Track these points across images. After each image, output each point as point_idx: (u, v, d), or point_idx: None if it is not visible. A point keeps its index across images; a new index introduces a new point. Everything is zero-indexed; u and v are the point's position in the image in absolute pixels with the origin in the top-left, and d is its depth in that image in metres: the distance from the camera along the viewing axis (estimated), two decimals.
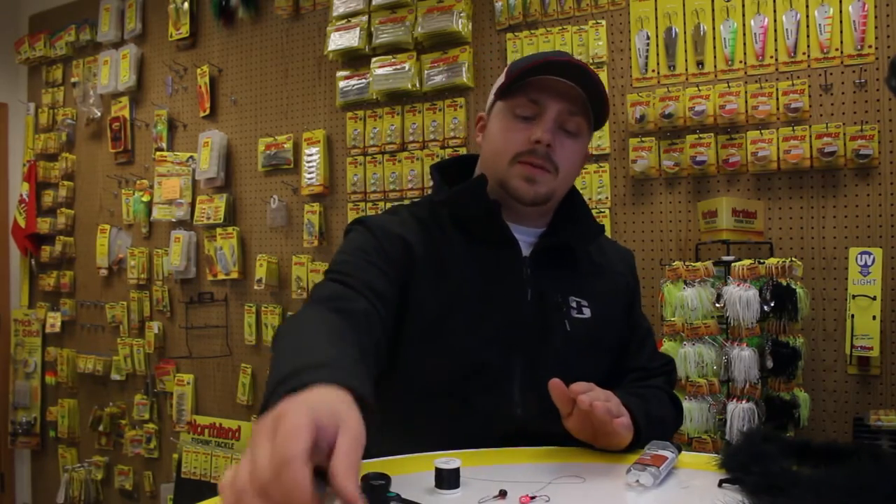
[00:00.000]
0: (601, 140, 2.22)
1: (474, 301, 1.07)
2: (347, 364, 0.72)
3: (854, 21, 1.89)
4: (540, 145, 1.07)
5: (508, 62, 2.35)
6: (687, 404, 1.77)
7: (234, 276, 2.95)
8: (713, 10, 2.07)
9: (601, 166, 2.23)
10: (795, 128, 1.95)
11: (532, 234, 1.15)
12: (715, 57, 2.07)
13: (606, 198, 2.22)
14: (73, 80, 3.54)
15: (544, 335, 1.09)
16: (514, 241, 1.10)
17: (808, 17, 1.95)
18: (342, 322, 0.88)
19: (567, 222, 1.17)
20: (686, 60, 2.11)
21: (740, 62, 2.03)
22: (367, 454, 1.22)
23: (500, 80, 1.15)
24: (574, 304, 1.12)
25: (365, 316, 0.93)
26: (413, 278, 1.06)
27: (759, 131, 1.98)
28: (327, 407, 0.56)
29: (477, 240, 1.10)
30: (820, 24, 1.93)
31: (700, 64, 2.09)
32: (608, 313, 1.16)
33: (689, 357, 1.77)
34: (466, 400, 1.04)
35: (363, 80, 2.62)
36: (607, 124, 2.20)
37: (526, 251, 1.12)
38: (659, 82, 2.14)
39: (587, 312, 1.13)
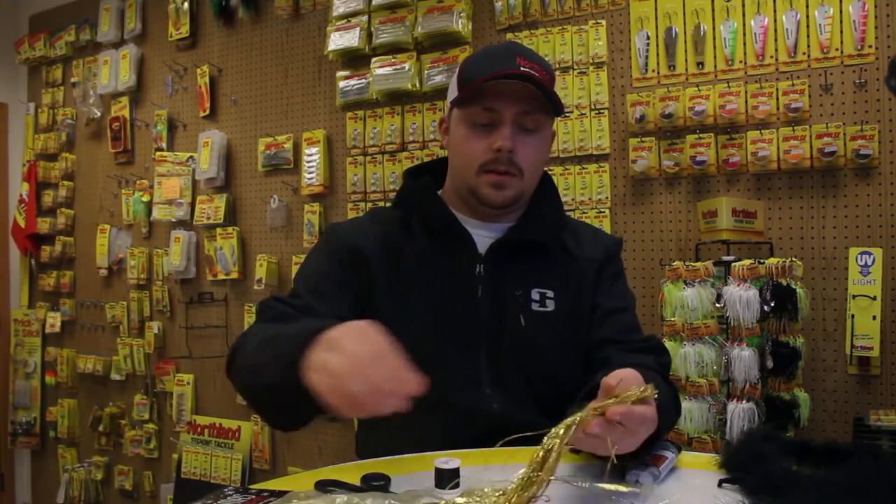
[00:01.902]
0: (601, 140, 2.22)
1: (424, 299, 1.10)
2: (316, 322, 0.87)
3: (854, 21, 1.89)
4: (501, 153, 1.09)
5: None
6: (687, 404, 1.76)
7: (234, 276, 2.95)
8: (713, 10, 2.07)
9: (601, 166, 2.23)
10: (795, 128, 1.95)
11: (500, 229, 1.16)
12: (715, 57, 2.07)
13: (606, 198, 2.22)
14: (73, 80, 3.54)
15: (499, 330, 1.10)
16: (468, 239, 1.13)
17: (808, 17, 1.95)
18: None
19: (533, 215, 1.19)
20: (686, 60, 2.11)
21: (740, 62, 2.03)
22: (365, 454, 1.21)
23: (453, 87, 1.15)
24: (537, 297, 1.12)
25: None
26: (369, 281, 1.11)
27: (759, 131, 1.98)
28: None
29: (437, 240, 1.14)
30: (820, 24, 1.93)
31: (700, 64, 2.09)
32: (576, 305, 1.14)
33: (689, 357, 1.77)
34: (443, 398, 1.01)
35: (363, 80, 2.62)
36: (607, 124, 2.21)
37: (484, 248, 1.14)
38: (659, 82, 2.14)
39: (551, 305, 1.12)
